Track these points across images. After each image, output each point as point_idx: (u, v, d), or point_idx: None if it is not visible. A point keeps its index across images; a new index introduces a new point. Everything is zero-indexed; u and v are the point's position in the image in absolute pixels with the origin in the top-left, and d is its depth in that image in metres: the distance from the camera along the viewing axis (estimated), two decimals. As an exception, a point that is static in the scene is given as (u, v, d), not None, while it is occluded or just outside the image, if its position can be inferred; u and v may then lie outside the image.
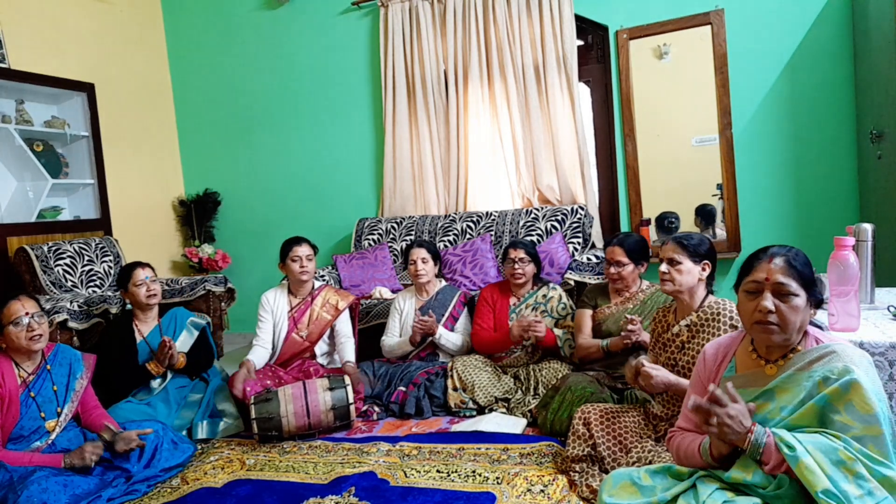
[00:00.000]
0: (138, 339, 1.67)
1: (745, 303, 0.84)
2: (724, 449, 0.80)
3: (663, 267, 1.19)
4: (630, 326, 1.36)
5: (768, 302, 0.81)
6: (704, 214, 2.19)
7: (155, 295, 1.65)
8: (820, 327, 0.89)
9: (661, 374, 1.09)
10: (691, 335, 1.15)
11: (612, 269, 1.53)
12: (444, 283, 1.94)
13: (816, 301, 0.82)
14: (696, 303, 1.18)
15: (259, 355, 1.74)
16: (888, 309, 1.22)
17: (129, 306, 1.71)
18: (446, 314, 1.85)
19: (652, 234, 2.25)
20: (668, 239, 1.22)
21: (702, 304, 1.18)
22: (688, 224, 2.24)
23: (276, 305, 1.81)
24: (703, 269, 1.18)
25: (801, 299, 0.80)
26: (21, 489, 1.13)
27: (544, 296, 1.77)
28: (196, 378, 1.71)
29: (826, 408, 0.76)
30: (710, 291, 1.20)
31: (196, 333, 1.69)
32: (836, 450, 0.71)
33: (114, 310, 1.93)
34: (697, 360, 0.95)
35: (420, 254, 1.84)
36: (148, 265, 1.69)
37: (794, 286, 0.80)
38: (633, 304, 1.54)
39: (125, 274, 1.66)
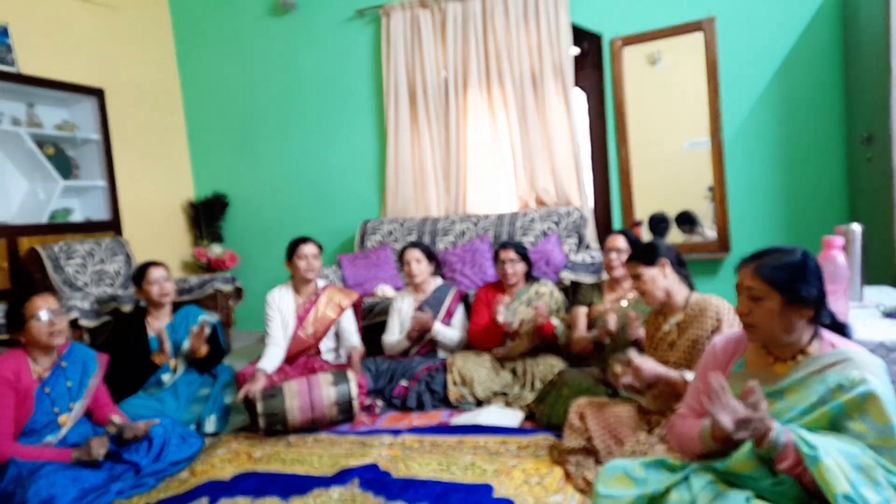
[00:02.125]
0: (150, 335, 1.71)
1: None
2: (725, 433, 0.77)
3: (633, 285, 1.23)
4: (636, 325, 1.38)
5: (740, 305, 0.84)
6: (687, 220, 2.20)
7: (167, 294, 1.70)
8: (846, 333, 0.85)
9: (648, 364, 1.11)
10: (680, 332, 1.18)
11: (612, 256, 1.57)
12: (440, 281, 1.98)
13: (801, 304, 0.79)
14: (681, 301, 1.21)
15: (274, 357, 1.75)
16: (877, 307, 1.24)
17: (142, 303, 1.76)
18: (443, 311, 1.89)
19: (644, 235, 2.28)
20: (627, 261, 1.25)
21: (687, 301, 1.20)
22: (674, 230, 2.26)
23: (281, 304, 1.84)
24: (663, 267, 1.20)
25: (772, 302, 0.80)
26: (30, 483, 1.14)
27: (536, 292, 1.81)
28: (205, 374, 1.74)
29: (841, 416, 0.74)
30: (692, 286, 1.22)
31: (208, 330, 1.73)
32: (857, 455, 0.70)
33: (125, 308, 1.97)
34: (706, 351, 0.94)
35: (414, 255, 1.89)
36: (162, 265, 1.74)
37: (761, 289, 0.80)
38: (626, 301, 1.58)
39: (140, 272, 1.71)
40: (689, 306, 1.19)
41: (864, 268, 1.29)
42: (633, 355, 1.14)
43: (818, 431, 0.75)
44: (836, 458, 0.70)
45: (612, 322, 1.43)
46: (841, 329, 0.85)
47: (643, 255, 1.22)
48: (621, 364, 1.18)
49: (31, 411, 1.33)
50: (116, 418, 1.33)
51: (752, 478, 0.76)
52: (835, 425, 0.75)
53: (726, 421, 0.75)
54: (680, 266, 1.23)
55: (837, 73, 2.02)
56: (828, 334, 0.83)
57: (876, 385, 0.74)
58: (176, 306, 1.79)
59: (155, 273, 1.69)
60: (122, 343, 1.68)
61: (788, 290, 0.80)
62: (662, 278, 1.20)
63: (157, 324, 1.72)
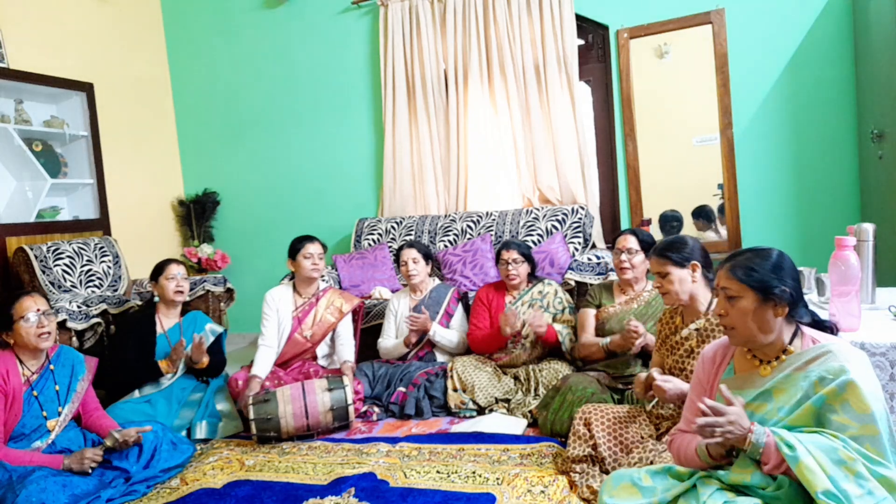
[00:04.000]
0: (159, 331, 1.71)
1: None
2: (720, 448, 0.81)
3: (656, 283, 1.18)
4: (634, 335, 1.35)
5: (718, 306, 0.85)
6: (704, 215, 2.18)
7: (182, 292, 1.73)
8: (831, 329, 0.86)
9: (673, 385, 1.07)
10: (701, 340, 1.14)
11: (623, 257, 1.52)
12: (437, 281, 1.95)
13: (775, 301, 0.79)
14: (703, 306, 1.16)
15: (265, 360, 1.72)
16: (889, 309, 1.21)
17: (156, 299, 1.76)
18: (441, 312, 1.86)
19: (655, 233, 2.24)
20: (651, 254, 1.20)
21: (709, 307, 1.15)
22: (689, 224, 2.23)
23: (280, 304, 1.80)
24: (693, 271, 1.15)
25: (746, 301, 0.81)
26: (20, 489, 1.13)
27: (540, 292, 1.77)
28: (202, 381, 1.73)
29: (823, 408, 0.75)
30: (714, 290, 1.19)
31: (212, 338, 1.73)
32: (836, 449, 0.71)
33: (113, 310, 1.94)
34: (697, 362, 0.94)
35: (411, 254, 1.85)
36: (182, 263, 1.78)
37: (735, 288, 0.82)
38: (637, 305, 1.53)
39: (159, 267, 1.75)
40: (711, 313, 1.15)
41: (875, 268, 1.25)
42: (656, 374, 1.10)
43: (803, 428, 0.76)
44: (815, 456, 0.71)
45: (641, 328, 1.36)
46: (825, 328, 0.86)
47: (675, 253, 1.16)
48: (640, 384, 1.12)
49: (20, 415, 1.31)
50: (117, 433, 1.31)
51: (752, 486, 0.77)
52: (819, 419, 0.76)
53: (703, 435, 0.77)
54: (707, 269, 1.18)
55: (848, 67, 1.99)
56: (809, 331, 0.84)
57: (855, 374, 0.74)
58: (184, 309, 1.80)
59: (174, 269, 1.73)
60: (129, 336, 1.68)
61: (761, 288, 0.81)
62: (690, 281, 1.15)
63: (167, 322, 1.74)
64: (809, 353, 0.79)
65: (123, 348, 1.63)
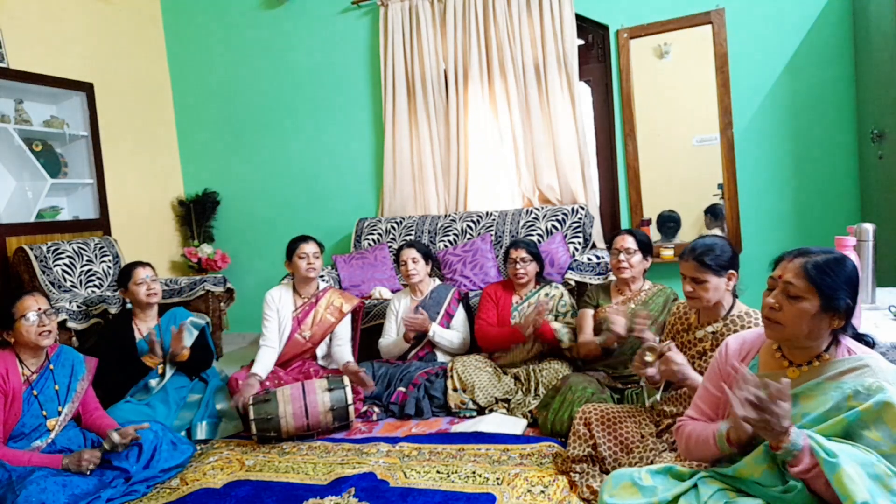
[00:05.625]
0: (137, 337, 1.68)
1: (764, 297, 0.84)
2: (743, 435, 0.78)
3: (687, 287, 1.14)
4: (639, 322, 1.33)
5: (771, 297, 0.81)
6: (714, 213, 2.18)
7: (155, 294, 1.69)
8: (870, 343, 0.83)
9: (682, 365, 1.06)
10: (716, 343, 1.12)
11: (622, 257, 1.52)
12: (437, 282, 1.95)
13: (836, 312, 0.77)
14: (723, 310, 1.14)
15: (266, 360, 1.72)
16: (889, 309, 1.22)
17: (129, 305, 1.73)
18: (441, 312, 1.86)
19: (653, 233, 2.25)
20: (688, 257, 1.14)
21: (729, 311, 1.13)
22: (688, 224, 2.23)
23: (280, 304, 1.80)
24: (730, 280, 1.13)
25: (809, 304, 0.77)
26: (20, 489, 1.13)
27: (546, 294, 1.77)
28: (195, 378, 1.71)
29: (856, 423, 0.74)
30: (735, 295, 1.15)
31: (195, 333, 1.70)
32: (873, 464, 0.69)
33: (113, 310, 1.94)
34: (718, 350, 0.92)
35: (410, 254, 1.85)
36: (148, 264, 1.72)
37: (801, 288, 0.78)
38: (634, 304, 1.54)
39: (126, 273, 1.69)
40: (730, 318, 1.13)
41: (875, 268, 1.25)
42: (672, 346, 1.08)
43: (831, 438, 0.74)
44: (853, 466, 0.69)
45: (621, 326, 1.38)
46: (862, 340, 0.83)
47: (715, 261, 1.12)
48: (652, 354, 1.11)
49: (20, 414, 1.32)
50: (115, 435, 1.30)
51: (759, 484, 0.76)
52: (849, 433, 0.74)
53: (745, 410, 0.73)
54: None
55: (848, 67, 1.99)
56: (846, 340, 0.82)
57: (892, 393, 0.72)
58: (164, 308, 1.77)
59: (142, 273, 1.68)
60: (109, 346, 1.65)
61: (829, 295, 0.78)
62: (724, 290, 1.13)
63: (145, 326, 1.70)
64: (844, 364, 0.77)
65: (105, 362, 1.53)
